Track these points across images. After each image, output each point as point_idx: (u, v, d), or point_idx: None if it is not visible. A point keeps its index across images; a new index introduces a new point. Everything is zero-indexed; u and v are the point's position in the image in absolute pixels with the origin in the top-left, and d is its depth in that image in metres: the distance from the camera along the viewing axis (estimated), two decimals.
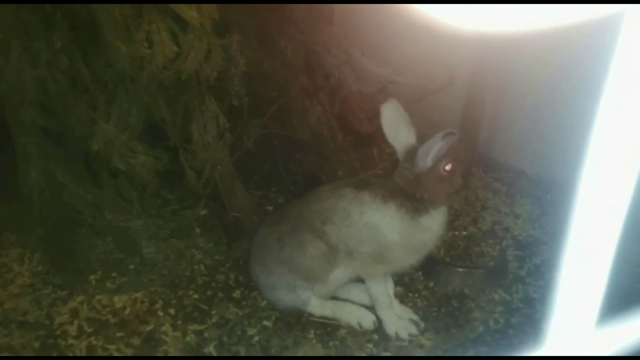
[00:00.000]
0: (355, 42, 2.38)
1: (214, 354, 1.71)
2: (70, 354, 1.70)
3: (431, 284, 1.98)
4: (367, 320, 1.80)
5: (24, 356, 1.70)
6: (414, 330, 1.77)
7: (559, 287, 0.46)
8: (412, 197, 1.68)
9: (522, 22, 0.35)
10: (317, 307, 1.82)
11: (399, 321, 1.78)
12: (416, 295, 1.93)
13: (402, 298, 1.91)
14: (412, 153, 1.68)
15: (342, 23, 2.65)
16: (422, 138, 1.68)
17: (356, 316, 1.81)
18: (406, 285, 1.98)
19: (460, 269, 1.99)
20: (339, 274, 1.80)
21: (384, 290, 1.80)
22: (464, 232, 2.26)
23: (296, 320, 1.81)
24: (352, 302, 1.86)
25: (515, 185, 2.62)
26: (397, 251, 1.72)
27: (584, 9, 0.35)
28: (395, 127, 1.69)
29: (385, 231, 1.69)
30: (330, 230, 1.72)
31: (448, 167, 1.68)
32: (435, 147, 1.62)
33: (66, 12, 1.83)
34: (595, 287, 0.45)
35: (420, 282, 2.00)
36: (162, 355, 1.70)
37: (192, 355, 1.71)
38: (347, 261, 1.76)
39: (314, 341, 1.75)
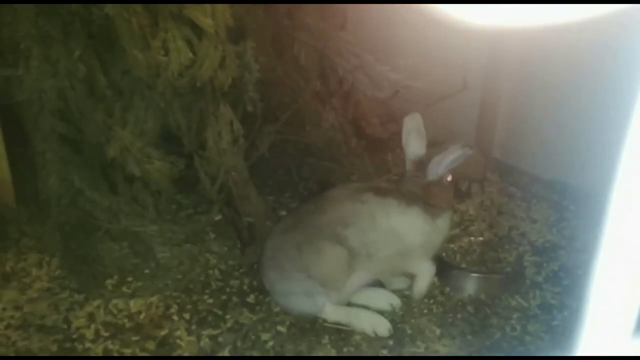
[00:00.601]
0: (368, 47, 2.39)
1: None
2: None
3: (447, 289, 1.96)
4: (382, 327, 1.79)
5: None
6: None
7: (591, 294, 0.45)
8: (430, 198, 1.82)
9: (536, 17, 0.35)
10: (332, 313, 1.81)
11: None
12: (432, 301, 1.92)
13: (417, 304, 1.90)
14: (420, 163, 1.81)
15: (355, 28, 2.66)
16: (430, 153, 1.81)
17: (371, 323, 1.80)
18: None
19: (476, 275, 1.97)
20: (356, 278, 1.82)
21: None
22: (480, 238, 2.23)
23: (310, 325, 1.81)
24: (368, 308, 1.86)
25: (531, 190, 2.59)
26: (417, 253, 1.83)
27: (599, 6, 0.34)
28: (407, 137, 1.82)
29: (410, 234, 1.79)
30: (353, 235, 1.76)
31: (449, 178, 1.84)
32: (449, 158, 1.76)
33: (84, 21, 1.87)
34: (632, 293, 0.44)
35: (435, 288, 1.98)
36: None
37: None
38: (366, 265, 1.79)
39: (328, 347, 1.74)
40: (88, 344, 1.75)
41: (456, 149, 1.77)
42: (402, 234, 1.79)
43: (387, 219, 1.77)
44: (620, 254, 0.45)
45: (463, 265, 2.07)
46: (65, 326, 1.81)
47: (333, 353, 1.72)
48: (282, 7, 2.27)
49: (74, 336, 1.77)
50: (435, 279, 2.02)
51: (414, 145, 1.82)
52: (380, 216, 1.77)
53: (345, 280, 1.79)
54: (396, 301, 1.85)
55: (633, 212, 0.43)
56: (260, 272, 1.94)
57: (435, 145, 2.70)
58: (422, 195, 1.81)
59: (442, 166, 1.78)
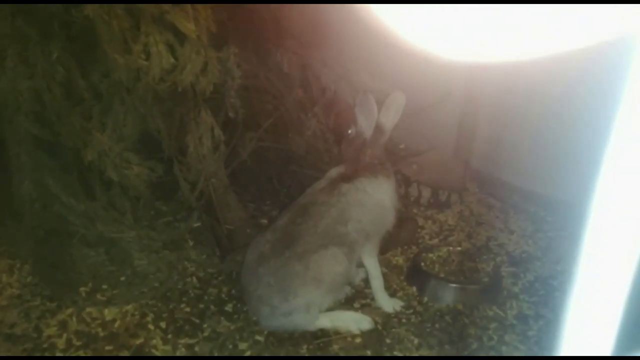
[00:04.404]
0: (351, 55, 2.40)
1: None
2: None
3: (425, 299, 1.97)
4: (365, 322, 1.82)
5: (24, 356, 1.68)
6: (399, 305, 1.94)
7: (570, 311, 0.45)
8: (382, 165, 1.94)
9: (522, 51, 0.35)
10: (318, 320, 1.81)
11: (391, 299, 1.94)
12: (410, 311, 1.92)
13: (396, 313, 1.90)
14: (377, 129, 1.90)
15: (338, 38, 2.67)
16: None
17: (355, 321, 1.82)
18: (400, 299, 1.96)
19: (454, 285, 1.98)
20: (351, 267, 1.88)
21: (379, 268, 1.96)
22: (458, 248, 2.25)
23: (289, 335, 1.79)
24: (345, 310, 1.89)
25: (509, 201, 2.63)
26: (391, 215, 1.95)
27: (589, 34, 0.34)
28: (359, 112, 1.92)
29: (386, 201, 1.92)
30: (352, 227, 1.82)
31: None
32: (392, 107, 1.87)
33: (63, 23, 1.84)
34: (611, 313, 0.44)
35: (414, 298, 1.99)
36: None
37: None
38: (361, 249, 1.87)
39: (307, 356, 1.73)
40: (59, 354, 1.70)
41: (389, 100, 1.87)
42: (383, 204, 1.91)
43: (370, 198, 1.87)
44: (599, 266, 0.45)
45: (441, 275, 2.08)
46: (35, 335, 1.76)
47: None
48: (267, 14, 2.27)
49: (45, 345, 1.72)
50: (414, 288, 2.03)
51: (365, 116, 1.91)
52: (365, 198, 1.86)
53: (347, 276, 1.86)
54: (366, 325, 1.82)
55: (611, 224, 0.43)
56: (257, 301, 1.79)
57: (416, 154, 2.73)
58: (384, 157, 1.96)
59: (391, 113, 1.88)
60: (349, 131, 1.98)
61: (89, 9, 1.72)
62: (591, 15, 0.32)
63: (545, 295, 1.99)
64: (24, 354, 1.69)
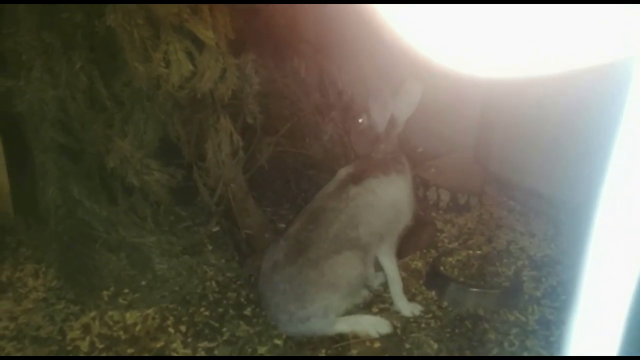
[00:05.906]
0: (367, 57, 2.40)
1: None
2: None
3: (445, 303, 1.95)
4: (383, 326, 1.82)
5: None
6: (418, 309, 1.91)
7: (578, 316, 0.45)
8: (395, 160, 1.90)
9: (532, 67, 0.35)
10: (337, 324, 1.81)
11: (410, 304, 1.92)
12: (430, 315, 1.90)
13: (415, 318, 1.89)
14: (390, 121, 1.85)
15: (355, 41, 2.68)
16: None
17: (373, 325, 1.81)
18: (419, 304, 1.95)
19: (475, 289, 1.96)
20: (368, 269, 1.87)
21: (397, 270, 1.93)
22: (478, 252, 2.23)
23: (307, 339, 1.79)
24: (363, 314, 1.88)
25: (529, 204, 2.59)
26: (405, 212, 1.91)
27: (594, 54, 0.34)
28: (375, 106, 1.87)
29: (399, 199, 1.88)
30: (364, 231, 1.80)
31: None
32: (405, 97, 1.82)
33: (86, 33, 1.88)
34: (616, 318, 0.44)
35: (433, 303, 1.97)
36: None
37: None
38: (376, 250, 1.86)
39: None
40: (83, 356, 1.73)
41: (405, 87, 1.81)
42: (395, 203, 1.87)
43: (380, 199, 1.84)
44: (605, 269, 0.45)
45: (461, 280, 2.06)
46: (60, 337, 1.80)
47: None
48: (283, 21, 2.30)
49: (69, 348, 1.76)
50: (433, 293, 2.01)
51: (381, 111, 1.85)
52: (374, 200, 1.83)
53: (363, 279, 1.85)
54: (384, 329, 1.82)
55: (617, 228, 0.43)
56: (274, 309, 1.80)
57: (434, 158, 2.71)
58: (398, 149, 1.91)
59: (403, 106, 1.83)
60: (360, 120, 1.90)
61: (111, 19, 1.76)
62: (600, 35, 0.32)
63: (568, 300, 1.96)
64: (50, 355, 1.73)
